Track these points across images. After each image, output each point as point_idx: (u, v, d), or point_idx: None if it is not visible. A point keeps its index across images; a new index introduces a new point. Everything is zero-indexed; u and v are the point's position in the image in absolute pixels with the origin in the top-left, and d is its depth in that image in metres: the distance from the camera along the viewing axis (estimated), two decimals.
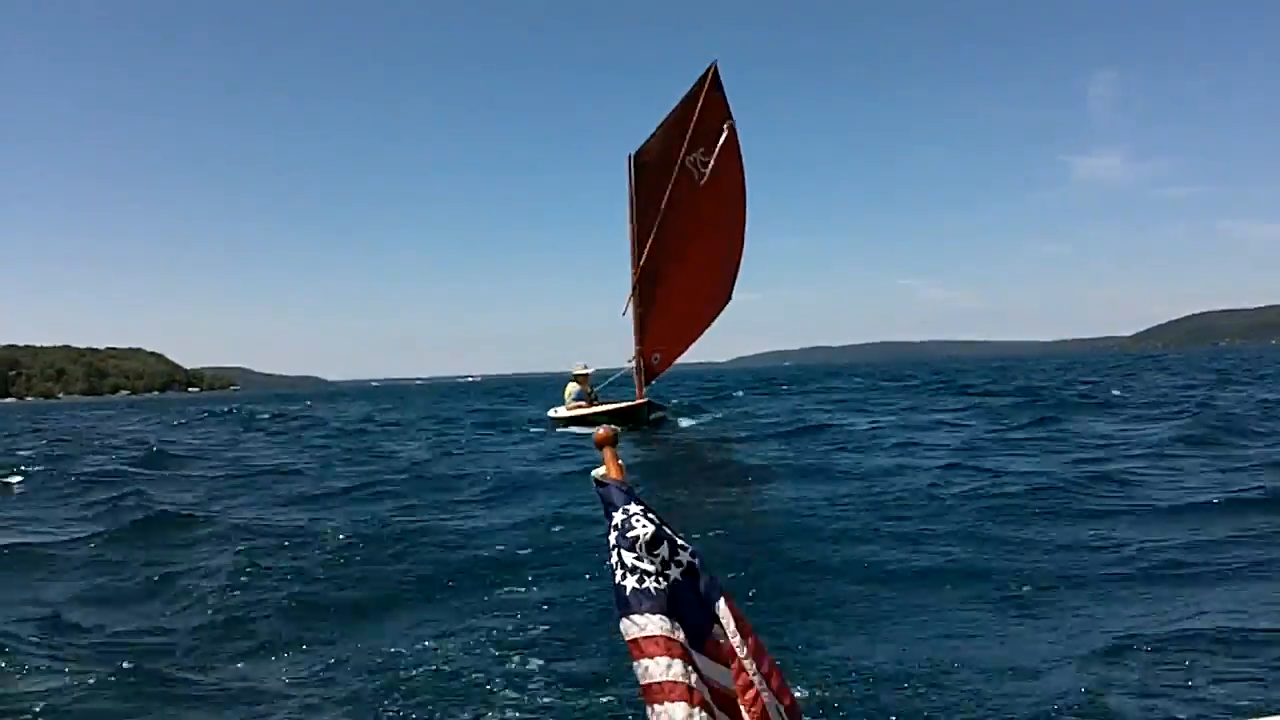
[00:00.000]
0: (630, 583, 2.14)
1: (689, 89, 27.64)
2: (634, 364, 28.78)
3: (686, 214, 27.28)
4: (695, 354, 30.21)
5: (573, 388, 29.10)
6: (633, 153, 28.57)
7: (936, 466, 14.43)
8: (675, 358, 28.95)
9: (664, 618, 2.11)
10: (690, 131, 27.13)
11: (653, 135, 28.25)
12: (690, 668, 2.09)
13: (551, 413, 30.08)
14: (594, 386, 29.25)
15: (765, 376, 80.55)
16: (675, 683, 2.05)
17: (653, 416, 26.91)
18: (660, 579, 2.16)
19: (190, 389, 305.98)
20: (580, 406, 28.23)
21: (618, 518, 2.22)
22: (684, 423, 27.39)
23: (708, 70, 27.50)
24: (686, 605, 2.18)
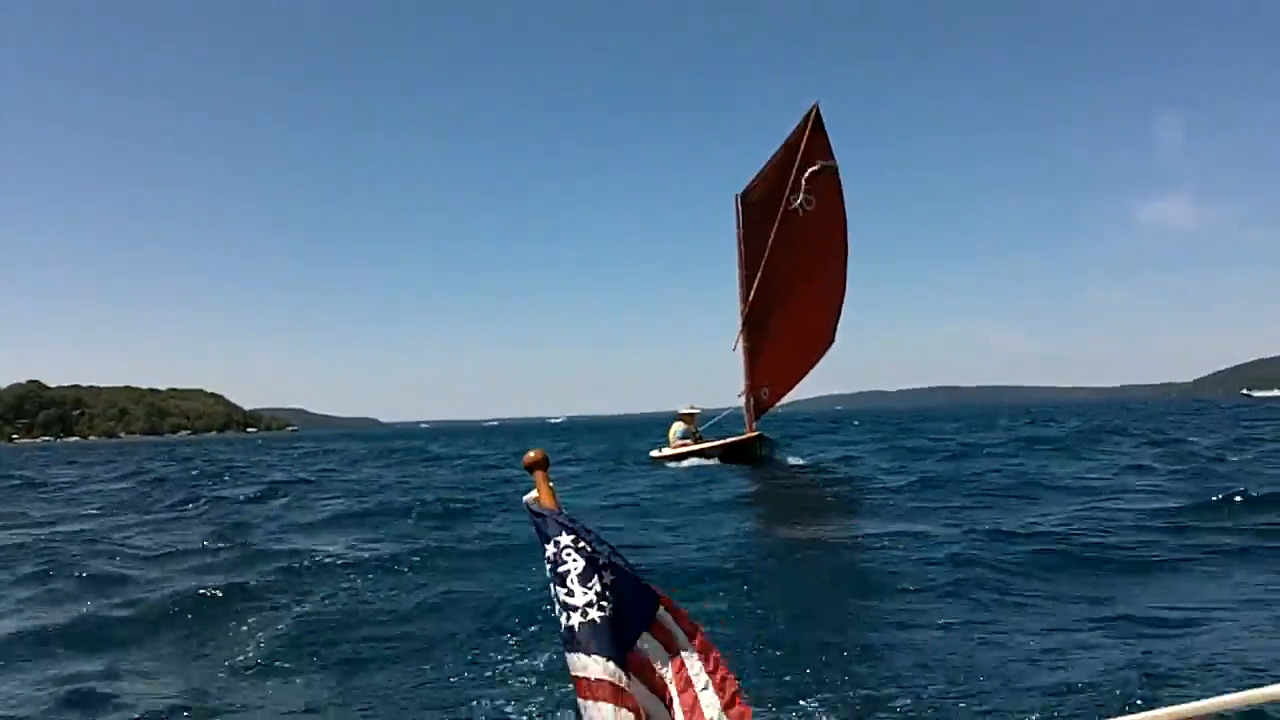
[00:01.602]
0: (575, 620, 2.11)
1: (793, 129, 28.06)
2: (743, 399, 28.90)
3: (792, 253, 27.52)
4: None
5: (678, 426, 29.25)
6: (739, 192, 28.98)
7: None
8: (783, 394, 29.02)
9: (611, 661, 2.08)
10: (795, 171, 27.50)
11: (759, 174, 28.63)
12: (623, 711, 2.06)
13: (654, 452, 30.12)
14: (699, 427, 29.45)
15: (829, 419, 79.77)
16: None
17: (762, 452, 26.96)
18: (584, 615, 2.12)
19: (249, 429, 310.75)
20: (685, 445, 28.36)
21: (550, 550, 2.20)
22: (791, 460, 27.35)
23: (810, 111, 27.86)
24: (610, 645, 2.13)
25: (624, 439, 45.42)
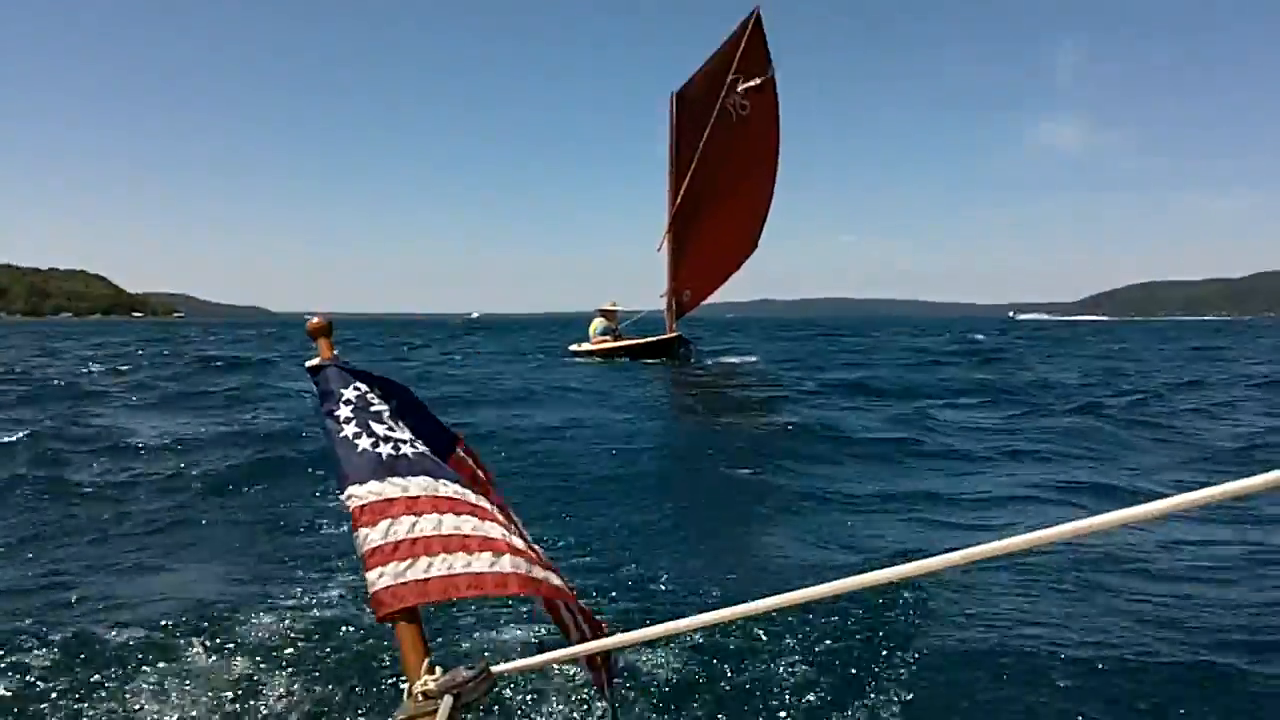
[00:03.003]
0: (385, 449, 2.10)
1: (731, 31, 27.89)
2: (665, 300, 29.16)
3: (724, 156, 27.53)
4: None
5: (599, 323, 29.25)
6: (676, 90, 28.77)
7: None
8: (704, 297, 29.36)
9: (427, 478, 2.10)
10: (730, 76, 27.40)
11: (696, 74, 28.42)
12: (464, 518, 2.06)
13: (574, 347, 30.24)
14: (620, 324, 29.58)
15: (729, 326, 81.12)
16: (450, 535, 2.03)
17: (682, 351, 27.36)
18: (414, 445, 2.15)
19: (134, 314, 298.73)
20: (605, 341, 28.51)
21: (349, 393, 2.19)
22: (709, 360, 27.82)
23: (750, 16, 27.69)
24: (442, 468, 2.17)
25: (544, 336, 45.35)
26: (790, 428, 12.55)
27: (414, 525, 2.00)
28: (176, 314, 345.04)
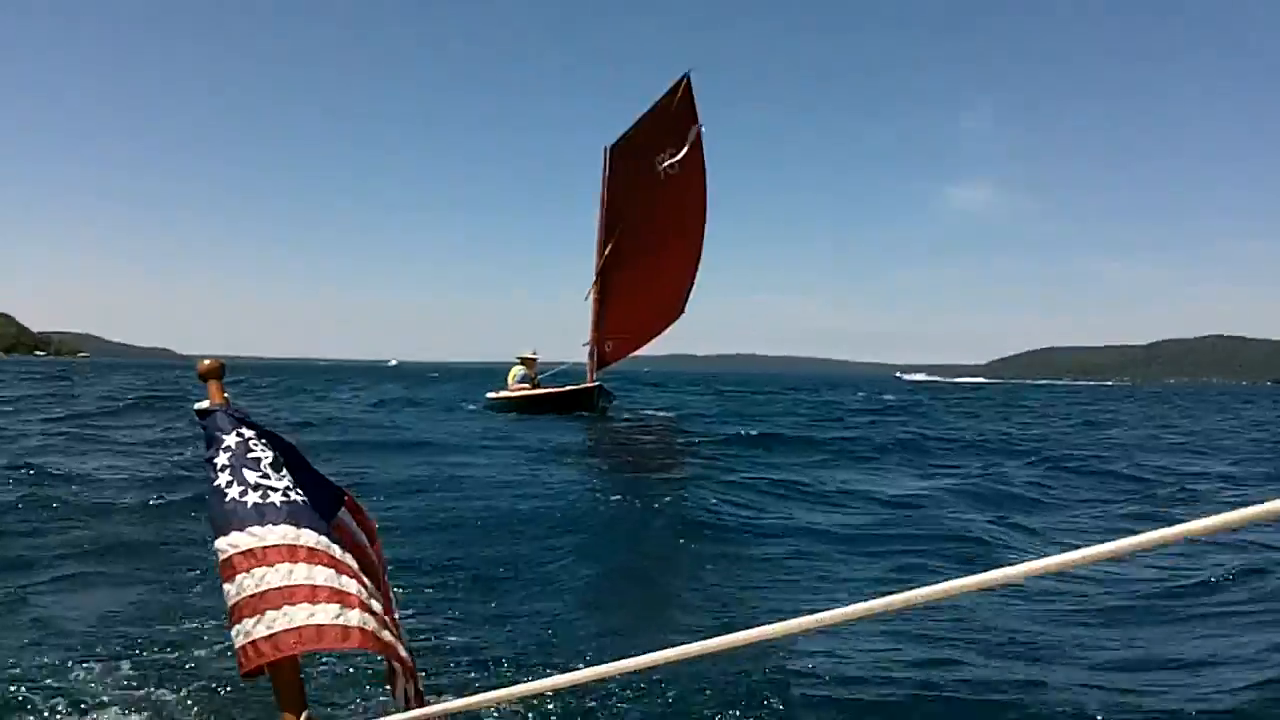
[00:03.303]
0: (253, 498, 2.10)
1: (663, 94, 28.34)
2: (587, 350, 28.99)
3: (652, 212, 27.80)
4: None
5: (518, 370, 28.89)
6: (609, 145, 29.03)
7: None
8: (628, 352, 29.29)
9: (289, 527, 2.09)
10: (661, 133, 27.80)
11: (628, 130, 28.78)
12: (317, 569, 2.06)
13: (491, 394, 29.81)
14: (539, 374, 29.26)
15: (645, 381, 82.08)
16: (298, 586, 2.02)
17: (602, 404, 27.09)
18: (285, 495, 2.16)
19: (37, 353, 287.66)
20: (523, 389, 28.13)
21: (230, 440, 2.20)
22: (627, 413, 27.65)
23: (682, 79, 28.22)
24: (310, 519, 2.18)
25: (469, 386, 44.74)
26: (697, 478, 12.51)
27: (263, 578, 2.00)
28: (82, 354, 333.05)
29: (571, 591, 6.61)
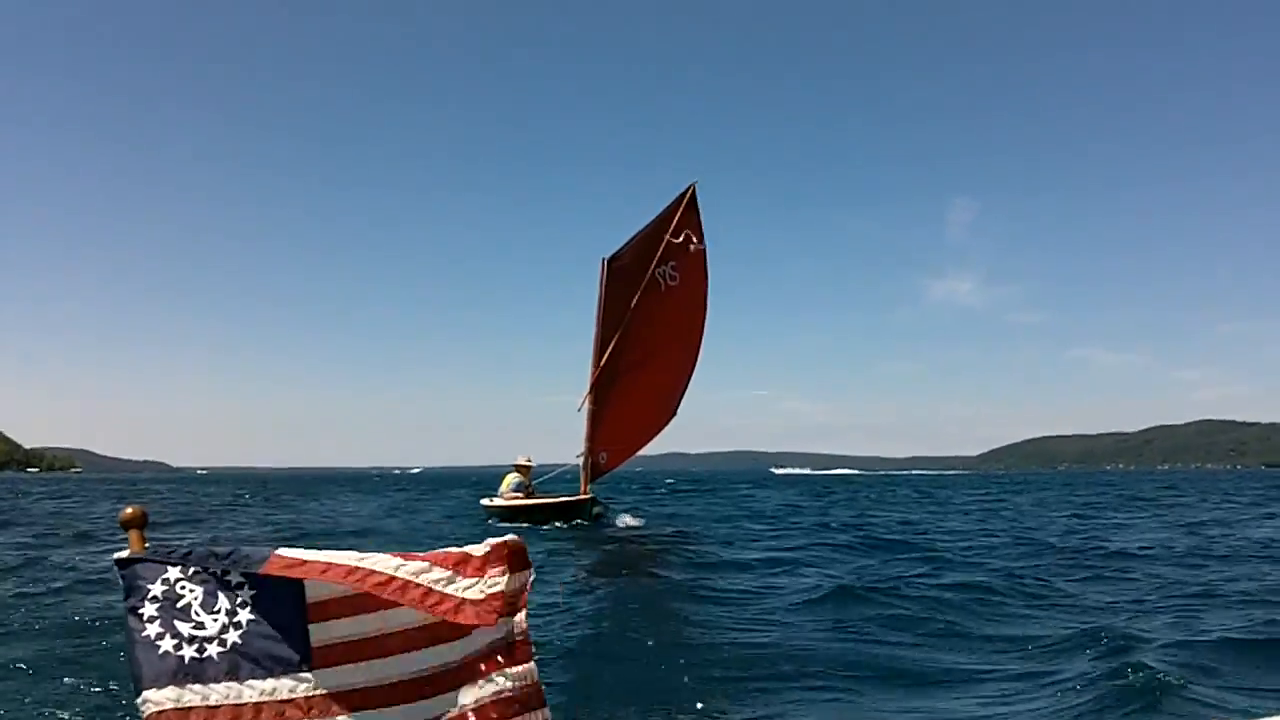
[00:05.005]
0: (189, 652, 2.02)
1: (668, 204, 28.81)
2: (581, 459, 28.68)
3: (650, 324, 27.89)
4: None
5: (512, 478, 28.49)
6: (607, 256, 29.36)
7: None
8: (622, 460, 28.98)
9: (231, 684, 2.03)
10: (664, 246, 28.15)
11: (628, 242, 29.07)
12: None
13: (485, 501, 29.41)
14: (534, 480, 28.93)
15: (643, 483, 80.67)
16: None
17: (595, 511, 26.67)
18: (221, 642, 2.06)
19: (29, 469, 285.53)
20: (517, 497, 27.78)
21: (156, 590, 2.09)
22: (629, 520, 27.16)
23: (687, 190, 28.80)
24: (253, 661, 2.08)
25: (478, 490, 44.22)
26: (683, 589, 12.15)
27: None
28: (74, 469, 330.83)
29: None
